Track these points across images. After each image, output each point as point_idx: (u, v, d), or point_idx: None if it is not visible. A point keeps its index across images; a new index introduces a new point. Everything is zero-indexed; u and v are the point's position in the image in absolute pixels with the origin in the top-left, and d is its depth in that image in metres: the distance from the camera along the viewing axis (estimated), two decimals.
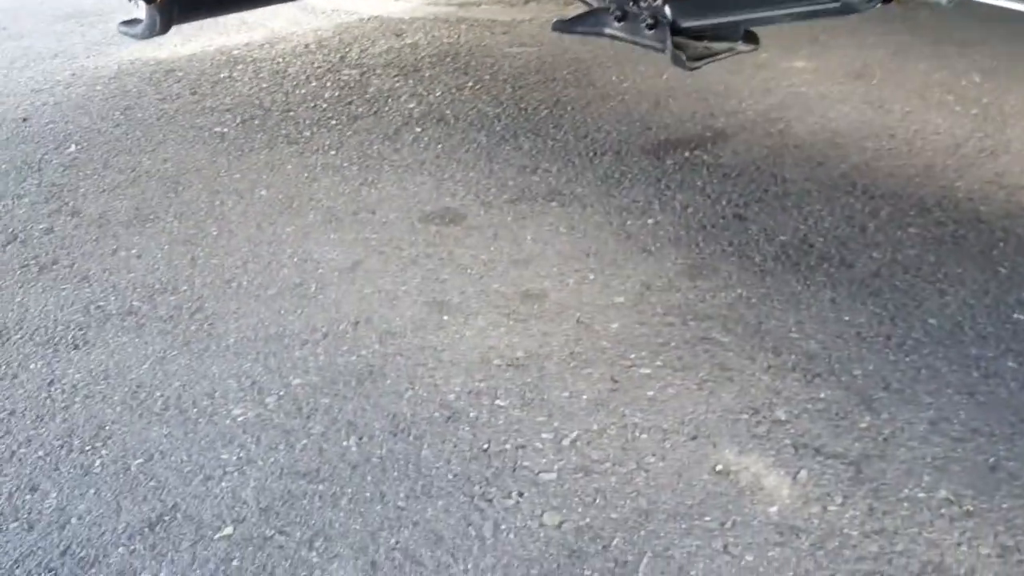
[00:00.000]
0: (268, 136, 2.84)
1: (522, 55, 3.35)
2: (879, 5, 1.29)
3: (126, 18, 2.18)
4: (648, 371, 1.74)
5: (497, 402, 1.70)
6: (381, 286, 2.07)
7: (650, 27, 1.60)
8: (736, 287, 1.95)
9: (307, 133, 2.86)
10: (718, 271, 2.01)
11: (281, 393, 1.76)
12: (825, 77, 2.83)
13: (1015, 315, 1.76)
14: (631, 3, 1.62)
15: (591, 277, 2.03)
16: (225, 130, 2.89)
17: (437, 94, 3.07)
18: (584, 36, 1.79)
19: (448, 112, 2.93)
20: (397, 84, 3.18)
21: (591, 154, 2.56)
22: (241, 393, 1.77)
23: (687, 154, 2.51)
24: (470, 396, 1.72)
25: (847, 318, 1.82)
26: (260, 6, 3.33)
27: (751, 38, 1.64)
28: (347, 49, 3.55)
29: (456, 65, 3.32)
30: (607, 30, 1.68)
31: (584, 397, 1.69)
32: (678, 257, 2.07)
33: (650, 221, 2.22)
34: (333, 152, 2.72)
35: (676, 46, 1.56)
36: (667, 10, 1.55)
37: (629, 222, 2.23)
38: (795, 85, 2.83)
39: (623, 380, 1.72)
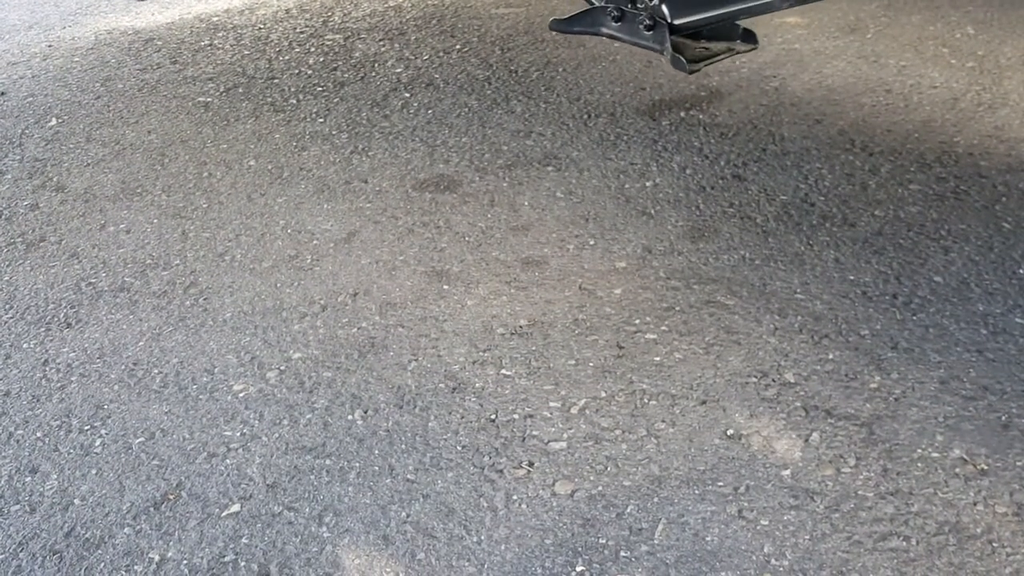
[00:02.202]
0: (253, 105, 2.78)
1: (509, 16, 3.28)
2: None
3: None
4: (654, 336, 1.72)
5: (503, 371, 1.68)
6: (378, 256, 2.03)
7: (648, 28, 1.56)
8: (739, 248, 1.93)
9: (293, 101, 2.79)
10: (720, 233, 1.99)
11: (282, 368, 1.73)
12: (819, 32, 2.79)
13: (1021, 270, 1.75)
14: (629, 3, 1.59)
15: (591, 242, 2.01)
16: (209, 99, 2.82)
17: (424, 58, 3.01)
18: (581, 36, 1.76)
19: (436, 76, 2.87)
20: (383, 48, 3.11)
21: (585, 116, 2.52)
22: (241, 368, 1.73)
23: (682, 114, 2.47)
24: (475, 366, 1.69)
25: (852, 277, 1.80)
26: None
27: (749, 37, 1.62)
28: (329, 13, 3.47)
29: (442, 28, 3.25)
30: (604, 30, 1.65)
31: (591, 364, 1.67)
32: (679, 219, 2.05)
33: (648, 184, 2.19)
34: (321, 120, 2.66)
35: (675, 47, 1.53)
36: (665, 10, 1.52)
37: (627, 185, 2.20)
38: (788, 42, 2.79)
39: (629, 346, 1.70)
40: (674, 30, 1.55)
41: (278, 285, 1.96)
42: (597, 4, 1.66)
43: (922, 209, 1.97)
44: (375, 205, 2.23)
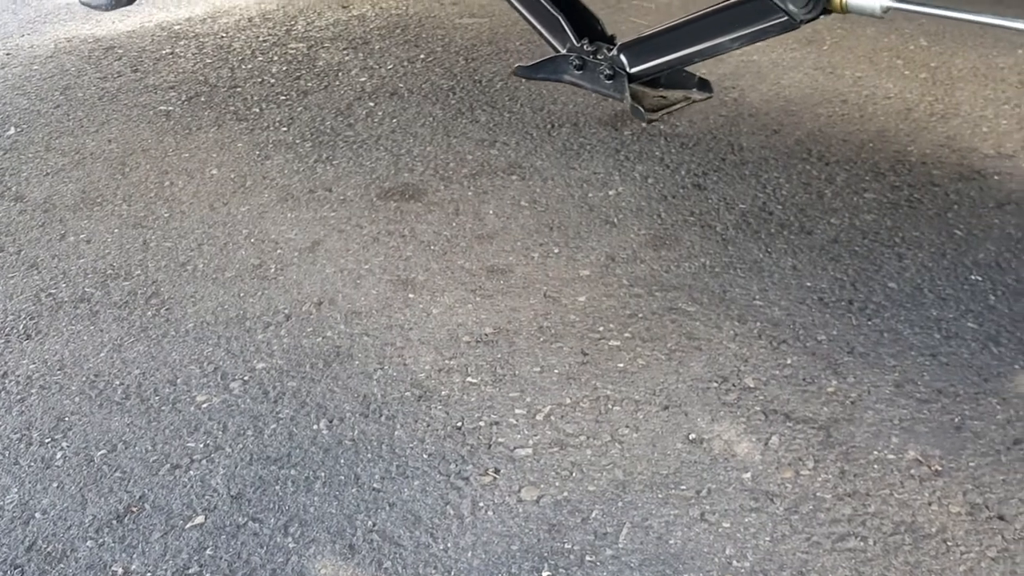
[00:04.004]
0: (216, 113, 2.76)
1: (473, 26, 3.30)
2: (820, 16, 1.32)
3: None
4: (617, 343, 1.74)
5: (468, 379, 1.69)
6: (343, 265, 2.03)
7: (608, 77, 1.62)
8: (699, 256, 1.96)
9: (256, 109, 2.78)
10: (681, 241, 2.02)
11: (246, 378, 1.72)
12: (776, 44, 2.85)
13: (972, 276, 1.80)
14: (590, 53, 1.65)
15: (556, 251, 2.03)
16: (170, 108, 2.80)
17: (388, 67, 3.02)
18: (545, 81, 1.83)
19: (401, 85, 2.88)
20: (346, 57, 3.11)
21: (549, 126, 2.54)
22: (204, 379, 1.72)
23: (644, 125, 2.51)
24: (441, 374, 1.70)
25: (809, 284, 1.84)
26: None
27: (704, 86, 1.68)
28: (292, 22, 3.46)
29: (406, 37, 3.26)
30: (567, 77, 1.72)
31: (555, 371, 1.69)
32: (641, 228, 2.07)
33: (611, 193, 2.22)
34: (284, 128, 2.66)
35: (633, 96, 1.59)
36: (623, 60, 1.58)
37: (591, 194, 2.22)
38: (747, 53, 2.84)
39: (593, 353, 1.72)
40: (633, 79, 1.60)
41: (241, 295, 1.96)
42: (560, 53, 1.72)
43: (877, 217, 2.01)
44: (340, 214, 2.23)
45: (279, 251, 2.10)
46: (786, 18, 1.35)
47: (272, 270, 2.03)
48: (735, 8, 1.41)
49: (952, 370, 1.59)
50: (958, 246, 1.89)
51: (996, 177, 2.11)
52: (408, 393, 1.66)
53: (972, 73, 2.56)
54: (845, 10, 1.26)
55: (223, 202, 2.30)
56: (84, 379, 1.74)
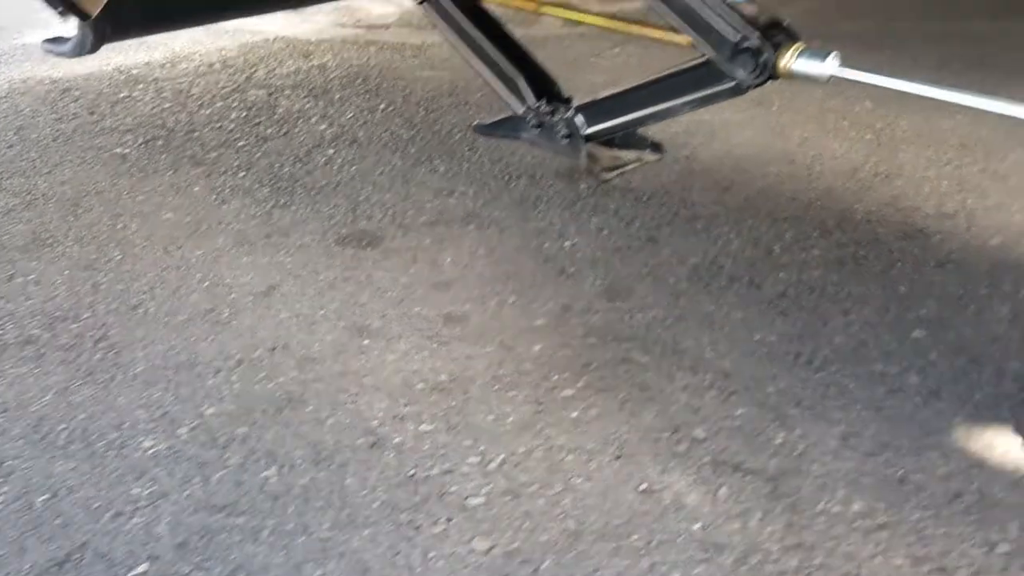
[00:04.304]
0: (172, 157, 2.75)
1: (434, 79, 3.35)
2: (767, 83, 1.38)
3: (50, 35, 2.02)
4: (571, 392, 1.75)
5: (422, 427, 1.68)
6: (298, 311, 2.02)
7: (565, 137, 1.68)
8: (652, 308, 1.99)
9: (214, 154, 2.78)
10: (634, 292, 2.05)
11: (194, 424, 1.70)
12: (727, 105, 2.92)
13: (915, 332, 1.86)
14: (547, 114, 1.71)
15: (512, 300, 2.04)
16: (126, 151, 2.78)
17: (349, 116, 3.04)
18: (503, 139, 1.88)
19: (361, 134, 2.90)
20: (307, 105, 3.14)
21: (506, 177, 2.58)
22: (151, 424, 1.69)
23: (604, 174, 2.55)
24: (394, 421, 1.69)
25: (758, 337, 1.88)
26: (196, 25, 3.22)
27: (656, 148, 1.75)
28: (253, 69, 3.48)
29: (367, 87, 3.29)
30: (524, 136, 1.77)
31: (509, 420, 1.69)
32: (596, 279, 2.10)
33: (567, 244, 2.25)
34: (242, 174, 2.66)
35: (589, 156, 1.64)
36: (580, 121, 1.63)
37: (547, 245, 2.25)
38: (699, 112, 2.92)
39: (547, 402, 1.73)
40: (588, 139, 1.65)
41: (193, 339, 1.93)
42: (519, 112, 1.76)
43: (823, 273, 2.07)
44: (296, 259, 2.22)
45: (233, 295, 2.08)
46: (734, 83, 1.40)
47: (225, 315, 2.01)
48: (686, 73, 1.47)
49: (896, 424, 1.63)
50: (901, 302, 1.95)
51: (938, 236, 2.19)
52: (360, 440, 1.65)
53: (915, 135, 2.66)
54: (791, 76, 1.32)
55: (177, 245, 2.28)
56: (27, 423, 1.69)
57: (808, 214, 2.31)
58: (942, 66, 3.18)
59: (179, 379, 1.81)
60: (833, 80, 1.32)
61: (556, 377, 1.79)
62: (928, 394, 1.69)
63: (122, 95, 3.20)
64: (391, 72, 3.43)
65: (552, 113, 1.72)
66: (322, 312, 2.02)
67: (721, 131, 2.76)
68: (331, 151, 2.78)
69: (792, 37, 1.34)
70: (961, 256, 2.10)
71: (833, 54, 1.28)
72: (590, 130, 1.66)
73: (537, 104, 1.75)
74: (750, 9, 1.36)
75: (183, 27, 3.10)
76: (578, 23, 2.52)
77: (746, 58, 1.35)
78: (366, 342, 1.91)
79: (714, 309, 1.97)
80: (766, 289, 2.03)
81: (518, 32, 3.16)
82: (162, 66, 3.48)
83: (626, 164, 1.72)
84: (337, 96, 3.21)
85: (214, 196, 2.53)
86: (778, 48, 1.31)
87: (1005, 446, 1.57)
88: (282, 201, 2.50)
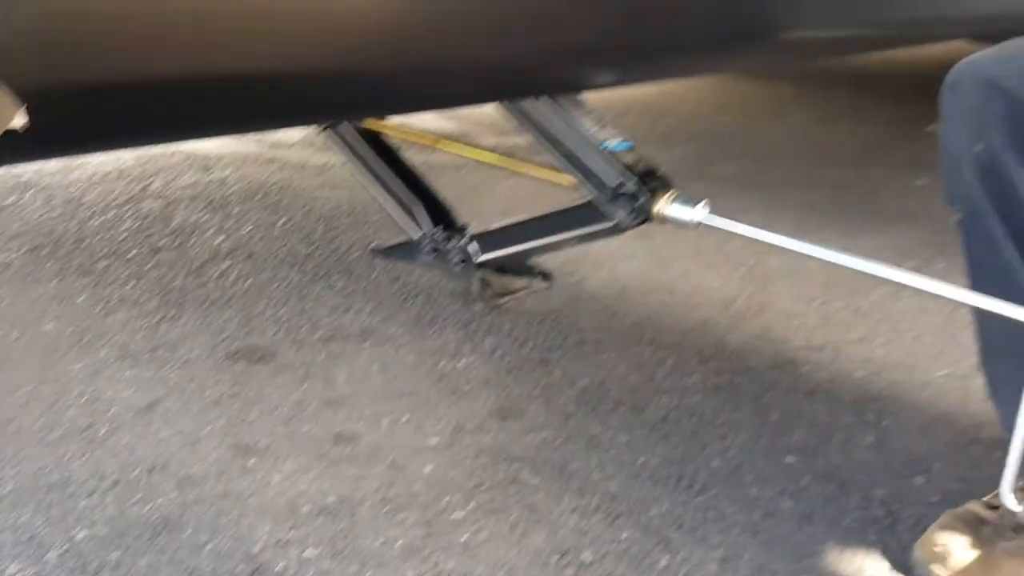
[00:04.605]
0: (59, 266, 2.68)
1: (335, 197, 3.41)
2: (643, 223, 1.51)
3: None
4: (461, 515, 1.75)
5: (306, 552, 1.64)
6: (181, 428, 1.97)
7: (459, 263, 1.77)
8: (543, 429, 2.03)
9: (102, 264, 2.73)
10: (526, 413, 2.08)
11: (64, 548, 1.61)
12: (614, 236, 3.08)
13: (787, 458, 1.95)
14: (443, 240, 1.80)
15: (405, 419, 2.04)
16: (11, 258, 2.70)
17: (246, 230, 3.05)
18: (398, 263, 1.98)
19: (258, 248, 2.90)
20: (204, 218, 3.13)
21: (403, 296, 2.62)
22: (17, 548, 1.59)
23: (495, 299, 2.62)
24: (277, 547, 1.65)
25: (642, 460, 1.93)
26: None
27: (546, 276, 1.86)
28: (150, 180, 3.46)
29: (267, 203, 3.32)
30: (421, 260, 1.86)
31: (397, 544, 1.67)
32: (488, 399, 2.13)
33: (461, 363, 2.28)
34: (131, 285, 2.61)
35: (482, 281, 1.74)
36: (473, 248, 1.74)
37: (442, 363, 2.28)
38: (591, 242, 3.06)
39: (437, 525, 1.72)
40: (481, 265, 1.74)
41: (67, 457, 1.85)
42: (416, 238, 1.85)
43: (702, 399, 2.16)
44: (182, 374, 2.17)
45: (112, 412, 2.01)
46: (614, 223, 1.51)
47: (103, 432, 1.94)
48: (571, 212, 1.57)
49: (772, 547, 1.69)
50: (774, 428, 2.05)
51: (807, 367, 2.32)
52: (240, 567, 1.59)
53: (784, 272, 2.85)
54: (664, 220, 1.43)
55: (57, 358, 2.20)
56: None
57: (687, 342, 2.42)
58: (810, 209, 3.45)
59: (50, 500, 1.72)
60: (701, 227, 1.43)
61: (447, 499, 1.79)
62: (801, 518, 1.77)
63: (9, 201, 3.12)
64: (292, 189, 3.47)
65: (447, 240, 1.79)
66: (206, 430, 1.97)
67: (608, 261, 2.89)
68: (226, 264, 2.77)
69: (666, 185, 1.46)
70: (828, 386, 2.23)
71: (703, 202, 1.40)
72: (483, 257, 1.73)
73: (433, 231, 1.82)
74: (629, 157, 1.48)
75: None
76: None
77: (624, 201, 1.46)
78: (251, 462, 1.87)
79: (601, 431, 2.02)
80: (649, 413, 2.10)
81: (419, 159, 3.28)
82: (54, 173, 3.42)
83: (516, 290, 1.80)
84: (235, 210, 3.22)
85: (99, 307, 2.47)
86: (653, 193, 1.42)
87: (874, 570, 1.65)
88: (171, 314, 2.45)
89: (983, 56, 1.41)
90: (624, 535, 1.71)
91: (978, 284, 1.48)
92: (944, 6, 1.67)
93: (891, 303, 2.64)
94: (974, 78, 1.39)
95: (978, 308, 1.42)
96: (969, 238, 1.52)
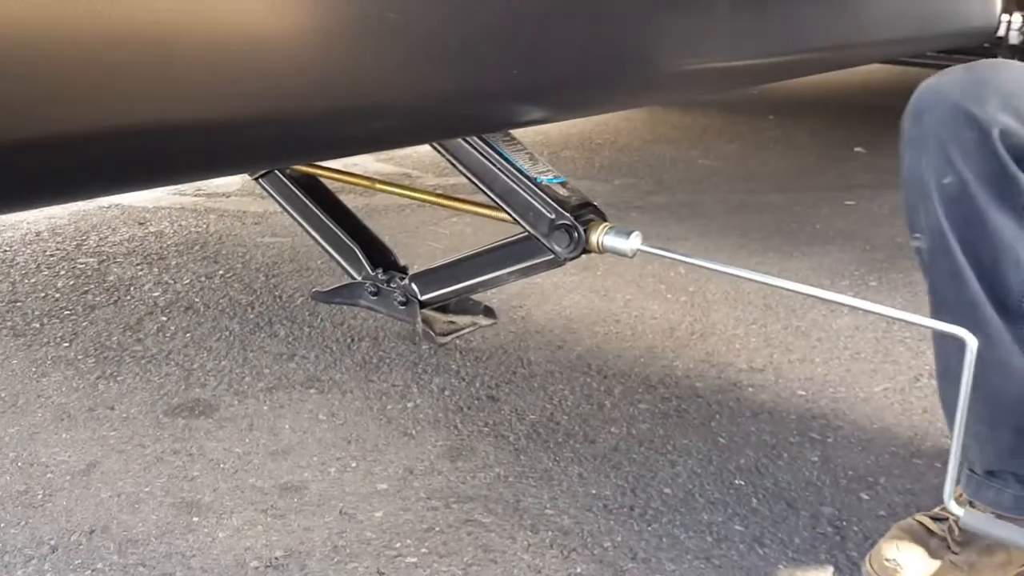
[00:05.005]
0: None
1: (275, 245, 3.38)
2: (581, 255, 1.52)
3: None
4: (414, 559, 1.72)
5: None
6: (121, 489, 1.91)
7: (401, 303, 1.77)
8: (494, 466, 2.01)
9: (36, 324, 2.66)
10: (476, 451, 2.07)
11: None
12: (558, 269, 3.11)
13: (736, 481, 1.97)
14: (384, 282, 1.80)
15: (353, 465, 2.02)
16: None
17: (185, 282, 3.00)
18: (342, 305, 1.96)
19: (197, 300, 2.86)
20: (140, 273, 3.07)
21: (348, 340, 2.59)
22: None
23: (440, 338, 2.61)
24: None
25: (594, 491, 1.93)
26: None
27: (490, 313, 1.87)
28: (84, 237, 3.40)
29: (205, 254, 3.27)
30: (363, 302, 1.86)
31: None
32: (438, 439, 2.12)
33: (409, 405, 2.26)
34: (66, 344, 2.54)
35: (425, 321, 1.74)
36: (414, 288, 1.74)
37: (389, 406, 2.25)
38: (532, 276, 3.08)
39: (389, 571, 1.69)
40: (424, 305, 1.74)
41: (2, 525, 1.78)
42: (356, 280, 1.84)
43: (651, 426, 2.18)
44: (121, 433, 2.12)
45: (49, 475, 1.95)
46: (552, 256, 1.52)
47: (40, 496, 1.87)
48: (509, 246, 1.58)
49: (724, 571, 1.70)
50: (722, 452, 2.07)
51: (751, 389, 2.36)
52: None
53: (724, 297, 2.90)
54: (602, 251, 1.44)
55: None
56: None
57: (634, 370, 2.44)
58: (745, 234, 3.52)
59: None
60: (637, 255, 1.45)
61: (399, 544, 1.76)
62: (752, 541, 1.78)
63: None
64: (231, 239, 3.43)
65: (388, 281, 1.79)
66: (147, 489, 1.91)
67: (552, 293, 2.91)
68: (164, 318, 2.72)
69: (601, 216, 1.48)
70: (772, 407, 2.27)
71: (635, 232, 1.42)
72: (425, 297, 1.73)
73: (374, 272, 1.82)
74: (563, 191, 1.50)
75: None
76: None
77: (560, 234, 1.47)
78: (195, 519, 1.82)
79: (552, 465, 2.02)
80: (600, 443, 2.10)
81: (359, 202, 3.28)
82: None
83: (461, 328, 1.80)
84: (173, 263, 3.17)
85: (34, 369, 2.40)
86: (588, 225, 1.44)
87: None
88: (108, 371, 2.39)
89: (949, 80, 1.29)
90: (579, 569, 1.70)
91: (941, 316, 1.38)
92: (850, 34, 1.74)
93: (828, 321, 2.69)
94: (941, 105, 1.27)
95: (937, 333, 1.42)
96: (933, 270, 1.40)
